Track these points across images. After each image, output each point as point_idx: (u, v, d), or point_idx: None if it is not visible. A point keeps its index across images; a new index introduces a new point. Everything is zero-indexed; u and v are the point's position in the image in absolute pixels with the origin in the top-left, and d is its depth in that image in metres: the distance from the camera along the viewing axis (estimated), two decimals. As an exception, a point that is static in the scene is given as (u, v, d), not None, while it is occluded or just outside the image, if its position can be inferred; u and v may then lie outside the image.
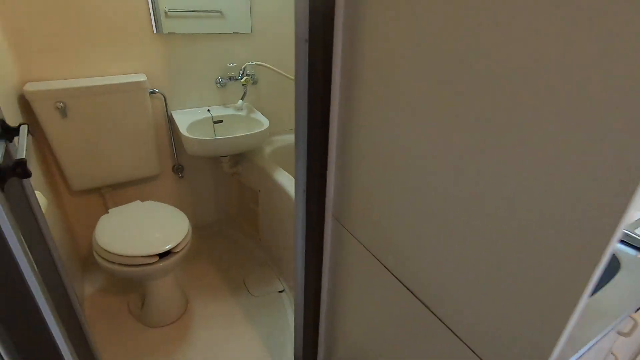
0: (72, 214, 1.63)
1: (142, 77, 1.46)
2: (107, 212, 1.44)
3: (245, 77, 1.62)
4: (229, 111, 1.71)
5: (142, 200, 1.59)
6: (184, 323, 1.47)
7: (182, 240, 1.32)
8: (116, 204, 1.61)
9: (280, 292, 1.64)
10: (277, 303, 1.59)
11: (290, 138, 1.99)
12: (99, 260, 1.26)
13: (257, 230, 1.83)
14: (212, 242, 1.95)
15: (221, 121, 1.68)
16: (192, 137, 1.43)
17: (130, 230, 1.33)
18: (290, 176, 1.55)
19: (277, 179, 1.53)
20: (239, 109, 1.62)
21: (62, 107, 1.32)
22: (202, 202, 1.95)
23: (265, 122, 1.59)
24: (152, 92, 1.54)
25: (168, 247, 1.26)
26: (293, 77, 1.79)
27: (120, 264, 1.23)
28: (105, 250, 1.23)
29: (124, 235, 1.30)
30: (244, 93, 1.67)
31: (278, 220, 1.61)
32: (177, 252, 1.29)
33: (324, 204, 0.86)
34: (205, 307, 1.55)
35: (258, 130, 1.51)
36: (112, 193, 1.63)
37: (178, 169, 1.76)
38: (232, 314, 1.52)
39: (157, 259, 1.25)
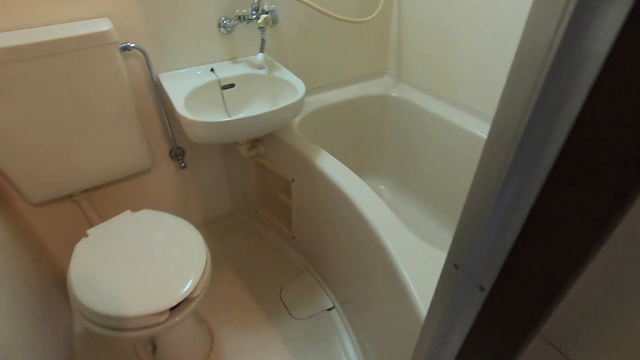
0: (43, 231, 1.18)
1: (105, 24, 0.92)
2: (86, 235, 1.00)
3: (263, 17, 1.06)
4: (242, 69, 1.17)
5: (135, 207, 1.14)
6: (212, 366, 1.12)
7: (201, 276, 0.90)
8: (99, 213, 1.16)
9: (329, 310, 1.28)
10: (328, 327, 1.23)
11: (324, 99, 1.47)
12: (82, 320, 0.85)
13: (290, 226, 1.41)
14: (232, 240, 1.54)
15: (232, 85, 1.16)
16: (192, 118, 0.93)
17: (122, 270, 0.90)
18: (340, 163, 1.09)
19: (322, 167, 1.07)
20: (260, 66, 1.09)
21: (-21, 84, 0.80)
22: (212, 193, 1.50)
23: (299, 86, 1.08)
24: (126, 48, 1.00)
25: (183, 294, 0.85)
26: (330, 13, 1.25)
27: (114, 329, 0.82)
28: (89, 309, 0.82)
29: (115, 280, 0.87)
30: (263, 41, 1.12)
31: (321, 216, 1.18)
32: (196, 297, 0.88)
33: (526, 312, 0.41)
34: (236, 341, 1.18)
35: (291, 102, 1.01)
36: (90, 199, 1.17)
37: (178, 155, 1.28)
38: (272, 346, 1.17)
39: (167, 314, 0.84)
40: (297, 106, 1.03)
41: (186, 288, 0.86)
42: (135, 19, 1.00)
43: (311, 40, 1.35)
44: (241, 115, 1.17)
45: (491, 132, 0.30)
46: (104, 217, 1.15)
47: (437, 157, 1.46)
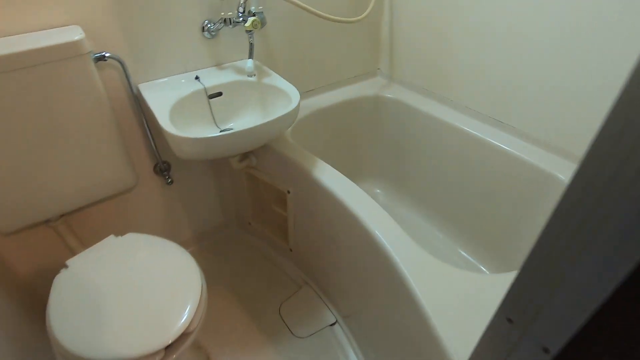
0: (15, 262, 1.07)
1: (76, 33, 0.82)
2: (65, 266, 0.90)
3: (251, 19, 0.98)
4: (230, 75, 1.09)
5: (119, 230, 1.05)
6: (211, 396, 1.05)
7: (198, 307, 0.82)
8: (80, 239, 1.07)
9: (332, 325, 1.22)
10: (332, 344, 1.17)
11: (316, 102, 1.41)
12: (66, 365, 0.77)
13: (286, 238, 1.34)
14: (224, 254, 1.46)
15: (220, 94, 1.08)
16: (179, 134, 0.84)
17: (108, 305, 0.81)
18: (339, 173, 1.03)
19: (320, 179, 1.00)
20: (250, 74, 1.01)
21: None
22: (202, 207, 1.41)
23: (293, 93, 1.01)
24: (100, 58, 0.91)
25: (179, 329, 0.77)
26: (321, 13, 1.17)
27: (102, 374, 0.74)
28: (73, 353, 0.73)
29: (101, 318, 0.79)
30: (251, 45, 1.04)
31: (320, 228, 1.12)
32: (193, 330, 0.81)
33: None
34: (236, 365, 1.12)
35: (286, 111, 0.93)
36: (68, 224, 1.07)
37: (163, 170, 1.19)
38: (276, 370, 1.10)
39: (162, 354, 0.76)
40: (293, 115, 0.96)
41: (182, 322, 0.79)
42: (110, 25, 0.91)
43: (301, 43, 1.28)
44: (231, 125, 1.11)
45: (582, 163, 0.25)
46: (85, 242, 1.06)
47: (434, 158, 1.42)
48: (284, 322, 1.22)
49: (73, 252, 1.00)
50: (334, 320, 1.23)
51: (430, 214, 1.51)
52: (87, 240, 1.10)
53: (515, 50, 1.08)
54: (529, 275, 0.31)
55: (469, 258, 1.36)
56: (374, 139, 1.61)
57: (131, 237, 0.97)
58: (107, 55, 0.90)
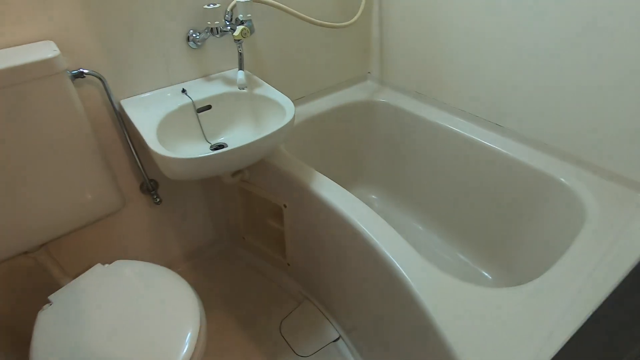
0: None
1: (50, 50, 0.75)
2: (49, 302, 0.83)
3: (240, 28, 0.93)
4: (218, 87, 1.04)
5: (106, 256, 0.98)
6: None
7: (197, 340, 0.77)
8: (63, 269, 0.99)
9: (335, 341, 1.18)
10: (337, 361, 1.13)
11: (308, 110, 1.36)
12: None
13: (283, 253, 1.30)
14: (218, 272, 1.40)
15: (209, 107, 1.02)
16: (169, 155, 0.79)
17: (98, 345, 0.75)
18: (338, 186, 0.99)
19: (319, 193, 0.96)
20: (242, 86, 0.95)
21: None
22: (192, 224, 1.35)
23: (287, 104, 0.96)
24: (78, 75, 0.84)
25: (177, 366, 0.72)
26: (311, 19, 1.12)
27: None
28: (62, 402, 0.67)
29: (91, 358, 0.73)
30: (240, 55, 0.99)
31: (320, 241, 1.08)
32: (193, 365, 0.75)
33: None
34: (238, 391, 1.06)
35: (282, 125, 0.88)
36: (50, 253, 0.99)
37: (150, 189, 1.12)
38: (280, 394, 1.06)
39: (162, 395, 0.71)
40: (288, 128, 0.91)
41: (183, 354, 0.73)
42: (87, 39, 0.84)
43: (290, 49, 1.23)
44: (222, 139, 1.05)
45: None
46: (70, 271, 0.99)
47: (429, 162, 1.39)
48: (286, 341, 1.18)
49: (57, 284, 0.92)
50: (337, 336, 1.19)
51: (427, 218, 1.49)
52: (72, 268, 1.03)
53: (509, 52, 1.06)
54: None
55: (469, 262, 1.34)
56: (368, 145, 1.58)
57: (120, 265, 0.91)
58: (85, 71, 0.84)
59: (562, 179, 1.04)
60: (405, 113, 1.40)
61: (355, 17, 1.22)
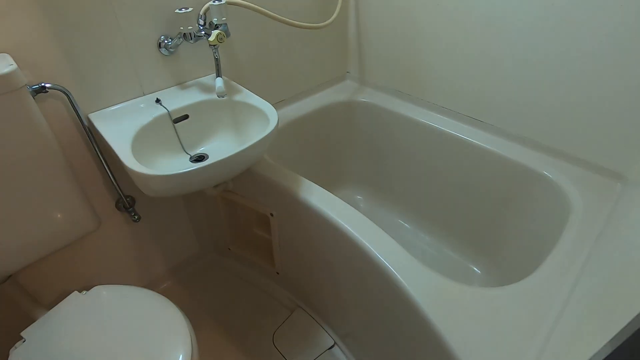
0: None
1: (6, 64, 0.68)
2: (22, 339, 0.76)
3: (215, 33, 0.88)
4: (195, 95, 0.98)
5: (83, 282, 0.91)
6: None
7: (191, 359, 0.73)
8: (36, 299, 0.91)
9: (330, 348, 1.16)
10: (334, 369, 1.11)
11: (288, 113, 1.33)
12: None
13: (271, 262, 1.26)
14: (205, 285, 1.35)
15: (186, 116, 0.97)
16: (146, 172, 0.73)
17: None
18: (326, 191, 0.96)
19: (307, 200, 0.93)
20: (220, 94, 0.91)
21: None
22: (174, 238, 1.29)
23: (269, 110, 0.92)
24: (40, 90, 0.77)
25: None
26: (288, 20, 1.08)
27: None
28: None
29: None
30: (217, 61, 0.94)
31: (309, 248, 1.05)
32: (188, 393, 0.71)
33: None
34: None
35: (266, 133, 0.85)
36: (18, 284, 0.91)
37: (127, 206, 1.05)
38: (278, 409, 1.03)
39: None
40: (273, 135, 0.87)
41: (173, 386, 0.69)
42: (48, 50, 0.77)
43: (267, 52, 1.19)
44: (202, 149, 1.00)
45: None
46: (44, 301, 0.91)
47: (413, 160, 1.39)
48: (280, 352, 1.14)
49: (30, 317, 0.85)
50: (332, 343, 1.17)
51: (414, 216, 1.49)
52: (46, 298, 0.96)
53: (487, 48, 1.06)
54: None
55: (458, 258, 1.35)
56: (351, 145, 1.56)
57: (99, 291, 0.85)
58: (47, 86, 0.77)
59: (545, 172, 1.05)
60: (386, 112, 1.39)
61: (332, 18, 1.19)
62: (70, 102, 0.82)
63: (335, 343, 1.17)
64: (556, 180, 1.02)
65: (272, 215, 1.09)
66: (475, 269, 1.30)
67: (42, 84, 0.76)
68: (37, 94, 0.76)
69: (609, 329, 0.37)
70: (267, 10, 0.99)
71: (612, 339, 0.35)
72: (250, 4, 0.97)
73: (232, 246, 1.33)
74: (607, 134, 0.96)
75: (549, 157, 1.08)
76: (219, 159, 0.77)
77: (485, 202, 1.23)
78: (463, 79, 1.17)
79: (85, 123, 0.87)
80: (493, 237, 1.25)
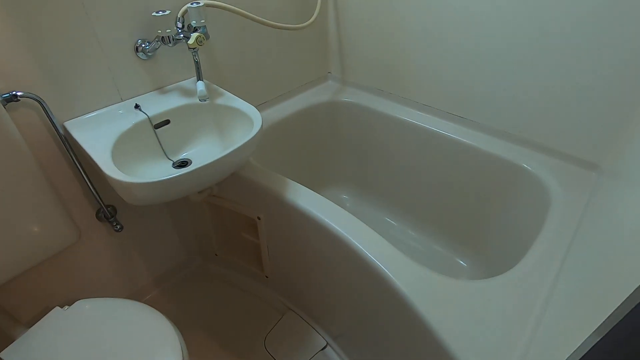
0: None
1: (-28, 72, 0.65)
2: (2, 360, 0.73)
3: (194, 36, 0.86)
4: (175, 99, 0.96)
5: (64, 297, 0.88)
6: None
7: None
8: (16, 318, 0.88)
9: (323, 349, 1.16)
10: (328, 370, 1.11)
11: (271, 115, 1.32)
12: None
13: (260, 266, 1.25)
14: (193, 293, 1.33)
15: (167, 121, 0.95)
16: (127, 180, 0.71)
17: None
18: (314, 193, 0.96)
19: (294, 201, 0.93)
20: (203, 98, 0.89)
21: None
22: (159, 247, 1.26)
23: (252, 112, 0.91)
24: (11, 99, 0.73)
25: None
26: (268, 21, 1.07)
27: None
28: None
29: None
30: (197, 64, 0.92)
31: (298, 250, 1.05)
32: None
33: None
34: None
35: (251, 136, 0.84)
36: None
37: (108, 216, 1.02)
38: (273, 413, 1.02)
39: None
40: (258, 137, 0.86)
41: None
42: (18, 57, 0.74)
43: (248, 54, 1.18)
44: (184, 155, 0.99)
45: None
46: (23, 319, 0.88)
47: (397, 158, 1.41)
48: (272, 356, 1.13)
49: (9, 337, 0.81)
50: (325, 344, 1.16)
51: (399, 213, 1.50)
52: (26, 315, 0.92)
53: (466, 46, 1.09)
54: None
55: (444, 252, 1.37)
56: (335, 145, 1.56)
57: (81, 306, 0.82)
58: (19, 94, 0.73)
59: (525, 165, 1.09)
60: (368, 110, 1.40)
61: (312, 18, 1.19)
62: (45, 110, 0.79)
63: (327, 344, 1.17)
64: (536, 173, 1.06)
65: (259, 218, 1.08)
66: (461, 262, 1.33)
67: (14, 93, 0.73)
68: (7, 102, 0.73)
69: (594, 318, 0.38)
70: (246, 12, 0.98)
71: (598, 328, 0.36)
72: (230, 6, 0.95)
73: (219, 252, 1.31)
74: (581, 126, 0.99)
75: (528, 150, 1.11)
76: (203, 164, 0.76)
77: (469, 197, 1.26)
78: (443, 75, 1.19)
79: (61, 132, 0.84)
80: (478, 230, 1.28)
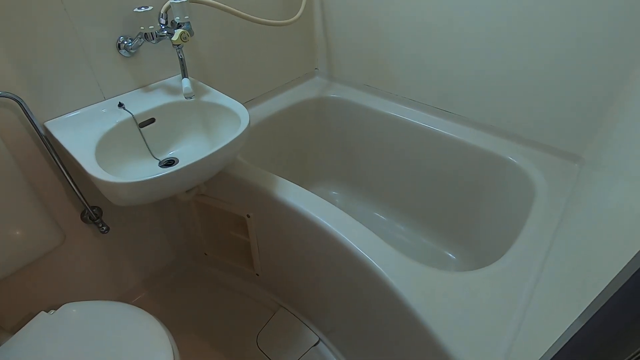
0: None
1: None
2: (-14, 368, 0.71)
3: (178, 32, 0.85)
4: (160, 97, 0.95)
5: (50, 301, 0.86)
6: None
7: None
8: (1, 324, 0.86)
9: (316, 345, 1.16)
10: (321, 365, 1.12)
11: (258, 112, 1.31)
12: None
13: (250, 264, 1.24)
14: (183, 294, 1.31)
15: (152, 120, 0.93)
16: (112, 180, 0.70)
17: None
18: (303, 189, 0.96)
19: (284, 199, 0.93)
20: (188, 96, 0.88)
21: None
22: (147, 248, 1.24)
23: (239, 110, 0.90)
24: (-13, 99, 0.71)
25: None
26: (254, 17, 1.06)
27: None
28: None
29: None
30: (182, 61, 0.91)
31: (289, 247, 1.05)
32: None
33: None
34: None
35: (238, 133, 0.83)
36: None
37: (94, 218, 1.00)
38: (267, 411, 1.02)
39: None
40: (246, 135, 0.86)
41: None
42: (-6, 55, 0.71)
43: (234, 51, 1.16)
44: (171, 154, 0.97)
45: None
46: (7, 326, 0.85)
47: (384, 153, 1.42)
48: (265, 354, 1.13)
49: (-8, 343, 0.79)
50: (317, 339, 1.17)
51: (388, 207, 1.51)
52: (10, 321, 0.89)
53: (451, 41, 1.10)
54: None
55: (433, 245, 1.39)
56: (323, 141, 1.56)
57: (68, 310, 0.80)
58: (-4, 94, 0.71)
59: (510, 158, 1.10)
60: (355, 106, 1.41)
61: (298, 14, 1.18)
62: (24, 110, 0.77)
63: (320, 339, 1.17)
64: (520, 165, 1.08)
65: (248, 216, 1.08)
66: (450, 254, 1.35)
67: (-10, 92, 0.71)
68: (-16, 103, 0.70)
69: (578, 305, 0.39)
70: (231, 8, 0.97)
71: (581, 315, 0.37)
72: (214, 2, 0.94)
73: (208, 251, 1.30)
74: (563, 119, 1.01)
75: (513, 144, 1.13)
76: (190, 162, 0.75)
77: (456, 190, 1.28)
78: (428, 70, 1.20)
79: (42, 132, 0.82)
80: (465, 223, 1.30)
